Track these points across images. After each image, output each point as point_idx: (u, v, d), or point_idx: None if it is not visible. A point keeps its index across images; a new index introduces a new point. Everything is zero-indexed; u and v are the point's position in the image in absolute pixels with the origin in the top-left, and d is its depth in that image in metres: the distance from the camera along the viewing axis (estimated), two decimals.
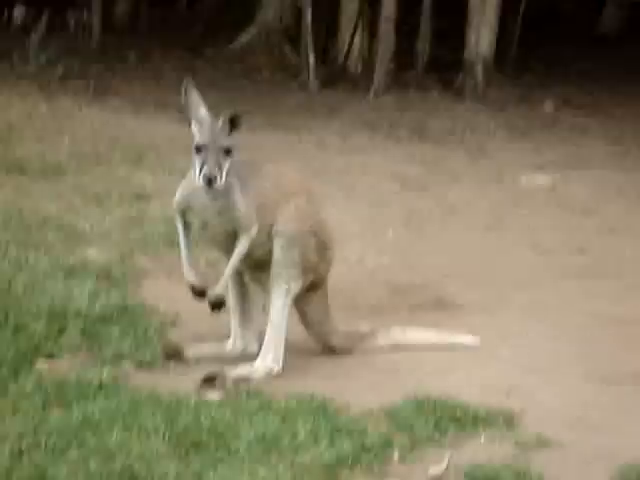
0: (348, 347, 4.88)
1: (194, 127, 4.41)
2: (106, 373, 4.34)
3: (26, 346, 4.50)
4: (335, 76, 12.19)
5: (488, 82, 12.01)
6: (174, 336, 4.84)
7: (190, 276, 4.55)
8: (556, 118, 11.21)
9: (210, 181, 4.32)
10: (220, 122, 4.38)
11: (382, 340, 4.94)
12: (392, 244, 6.62)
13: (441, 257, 6.45)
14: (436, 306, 5.59)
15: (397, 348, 4.91)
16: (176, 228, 4.60)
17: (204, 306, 4.57)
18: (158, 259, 5.85)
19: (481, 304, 5.64)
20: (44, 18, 11.88)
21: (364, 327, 5.05)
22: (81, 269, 5.47)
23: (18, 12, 12.35)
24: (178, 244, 4.60)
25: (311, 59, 11.89)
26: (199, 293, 4.55)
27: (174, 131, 8.62)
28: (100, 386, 4.24)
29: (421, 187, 8.11)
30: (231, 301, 4.74)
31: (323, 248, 4.70)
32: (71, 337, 4.66)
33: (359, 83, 11.94)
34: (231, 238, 4.51)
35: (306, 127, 9.84)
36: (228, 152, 4.37)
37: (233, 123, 4.38)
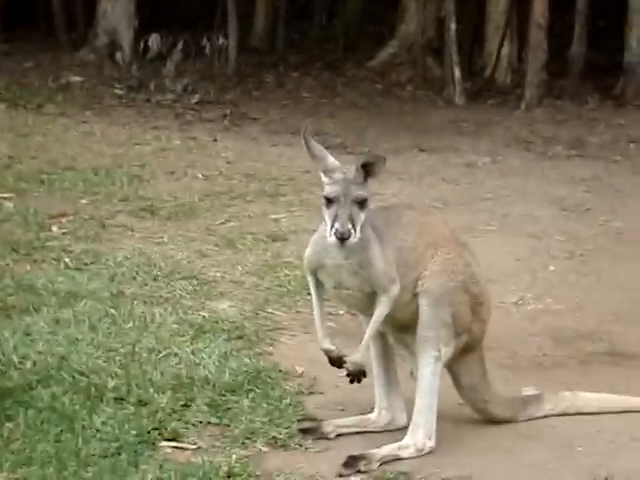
0: (510, 416, 4.27)
1: (323, 177, 3.89)
2: (235, 457, 3.88)
3: (149, 424, 4.09)
4: (483, 89, 11.74)
5: None
6: (311, 406, 4.33)
7: (325, 342, 4.02)
8: None
9: (343, 238, 3.79)
10: (353, 170, 3.83)
11: (550, 407, 4.31)
12: (554, 282, 5.99)
13: (612, 296, 5.77)
14: (610, 358, 4.95)
15: (568, 416, 4.27)
16: (309, 288, 4.10)
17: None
18: (295, 311, 5.40)
19: None
20: (179, 45, 11.80)
21: (528, 390, 4.46)
22: (211, 326, 5.06)
23: (153, 41, 12.26)
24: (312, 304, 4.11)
25: (456, 72, 11.44)
26: (336, 361, 4.01)
27: (311, 162, 8.21)
28: (229, 474, 3.77)
29: (583, 212, 7.48)
30: (374, 367, 4.20)
31: (477, 305, 4.11)
32: (198, 412, 4.22)
33: (509, 96, 11.47)
34: (370, 298, 3.96)
35: (453, 147, 9.37)
36: (362, 204, 3.82)
37: (368, 170, 3.83)
